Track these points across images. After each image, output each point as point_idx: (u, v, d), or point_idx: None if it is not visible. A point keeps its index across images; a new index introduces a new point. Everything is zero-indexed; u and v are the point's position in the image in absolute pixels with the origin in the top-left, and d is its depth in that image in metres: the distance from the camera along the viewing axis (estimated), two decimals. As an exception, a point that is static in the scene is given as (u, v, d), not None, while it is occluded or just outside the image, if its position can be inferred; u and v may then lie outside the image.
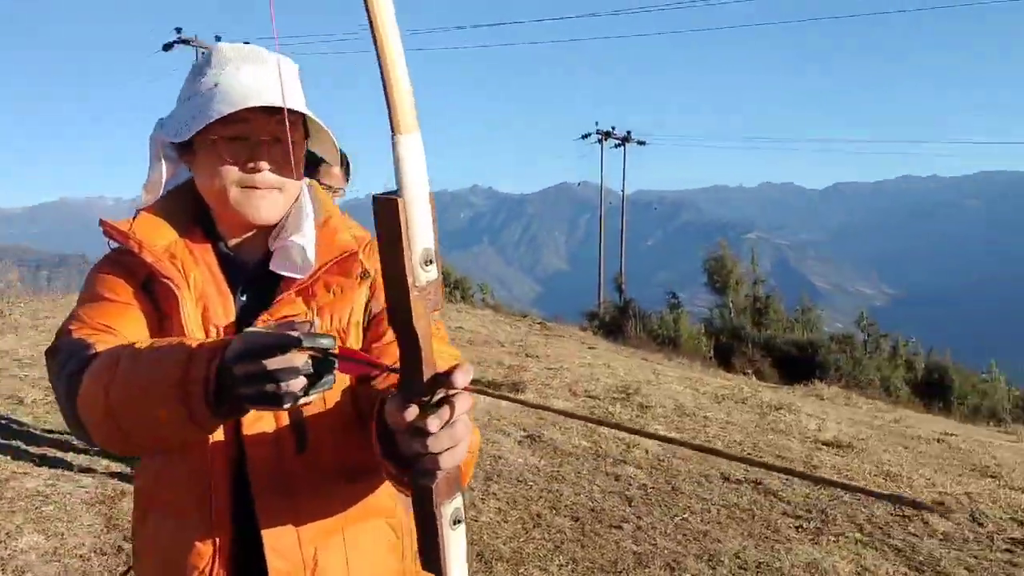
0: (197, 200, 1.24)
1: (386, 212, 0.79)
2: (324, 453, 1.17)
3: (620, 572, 3.51)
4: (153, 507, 1.21)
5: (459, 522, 0.89)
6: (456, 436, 0.84)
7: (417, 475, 0.86)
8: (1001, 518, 4.55)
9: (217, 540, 1.14)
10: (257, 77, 1.19)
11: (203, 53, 1.28)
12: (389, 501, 1.24)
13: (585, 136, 31.68)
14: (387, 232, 0.79)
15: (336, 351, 0.92)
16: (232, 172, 1.17)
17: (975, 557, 3.98)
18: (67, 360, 1.09)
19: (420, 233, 0.80)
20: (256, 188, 1.17)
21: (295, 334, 0.88)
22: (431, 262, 0.81)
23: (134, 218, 1.22)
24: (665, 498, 4.46)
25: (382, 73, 0.77)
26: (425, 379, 0.84)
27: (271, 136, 1.17)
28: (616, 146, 32.01)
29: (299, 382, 0.88)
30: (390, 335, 1.17)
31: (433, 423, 0.83)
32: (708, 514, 4.27)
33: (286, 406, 0.89)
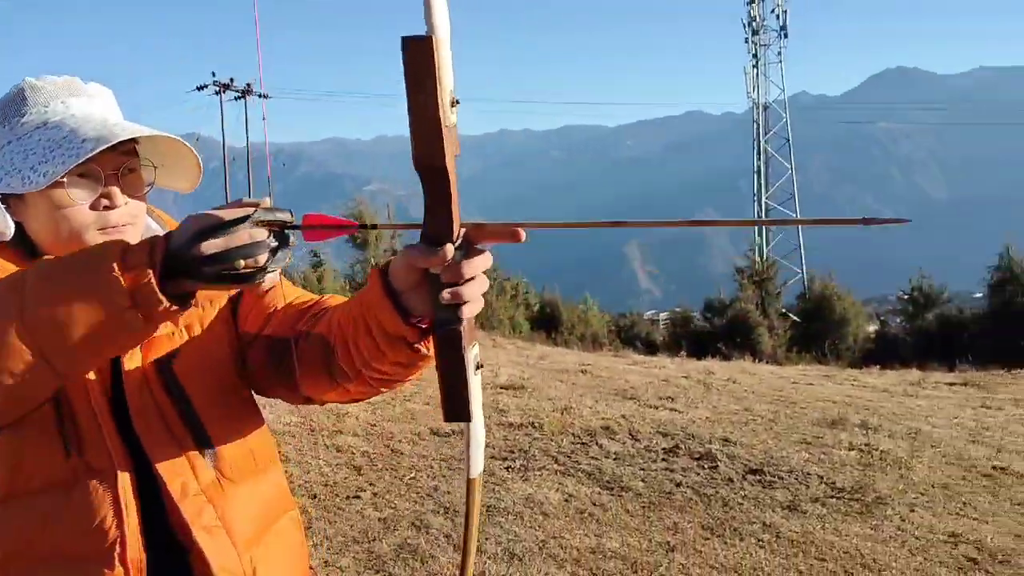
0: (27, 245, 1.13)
1: (419, 52, 0.79)
2: (227, 454, 1.15)
3: (372, 540, 3.67)
4: (21, 560, 1.06)
5: (480, 367, 0.95)
6: (482, 285, 0.91)
7: (445, 322, 0.90)
8: (650, 433, 5.53)
9: None
10: (88, 110, 1.14)
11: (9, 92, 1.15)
12: (289, 495, 1.27)
13: (201, 87, 29.65)
14: (419, 71, 0.80)
15: (293, 225, 0.93)
16: (85, 215, 1.10)
17: (643, 469, 4.83)
18: None
19: (447, 75, 0.81)
20: (115, 227, 1.11)
21: (252, 208, 0.89)
22: (456, 103, 0.83)
23: None
24: (389, 461, 4.68)
25: None
26: (454, 221, 0.87)
27: (117, 168, 1.11)
28: (236, 99, 30.48)
29: (264, 257, 0.89)
30: (271, 295, 1.19)
31: (467, 268, 0.89)
32: (431, 469, 4.59)
33: (257, 281, 0.90)
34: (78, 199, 1.08)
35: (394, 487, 4.32)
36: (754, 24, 48.04)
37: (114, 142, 1.06)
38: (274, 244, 0.90)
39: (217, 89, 29.80)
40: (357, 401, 1.18)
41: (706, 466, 4.88)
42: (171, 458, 1.09)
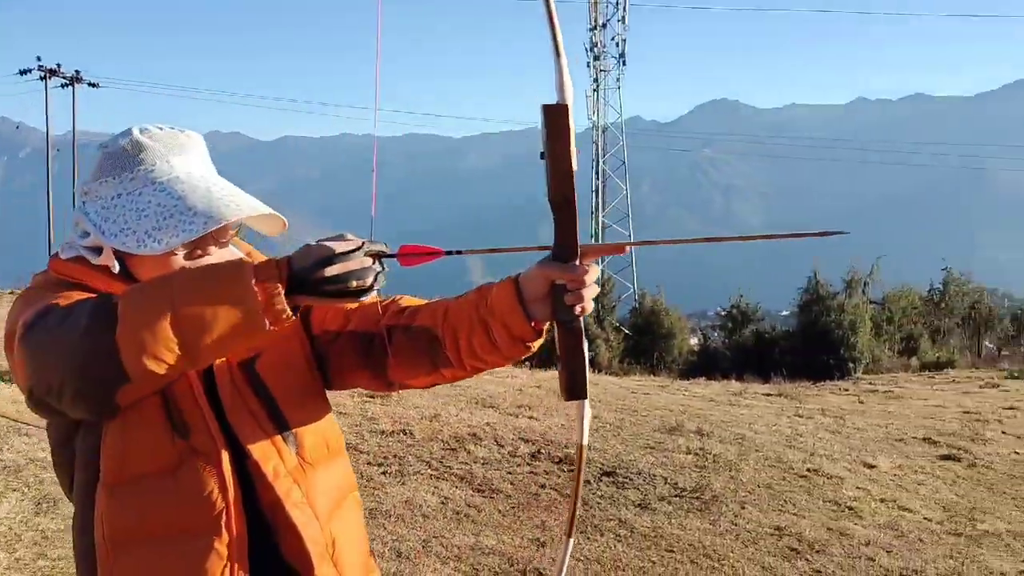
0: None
1: (557, 115, 1.12)
2: (306, 442, 1.35)
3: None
4: (133, 538, 1.24)
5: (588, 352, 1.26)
6: (595, 291, 1.21)
7: (568, 320, 1.20)
8: (514, 439, 5.92)
9: (234, 552, 1.24)
10: (188, 169, 1.32)
11: (118, 142, 1.30)
12: (353, 478, 1.48)
13: (25, 72, 27.42)
14: (558, 130, 1.12)
15: (392, 254, 1.19)
16: (180, 262, 1.29)
17: (511, 473, 5.20)
18: (72, 307, 1.15)
19: (573, 133, 1.13)
20: None
21: (358, 241, 1.13)
22: (578, 151, 1.15)
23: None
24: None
25: (552, 30, 1.11)
26: (578, 247, 1.19)
27: (216, 237, 1.32)
28: (63, 86, 28.41)
29: (371, 278, 1.13)
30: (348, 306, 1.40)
31: (588, 278, 1.19)
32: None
33: (365, 298, 1.15)
34: (181, 257, 1.29)
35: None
36: (595, 50, 50.21)
37: (222, 224, 1.25)
38: (378, 269, 1.15)
39: (42, 75, 27.66)
40: (440, 384, 1.44)
41: (566, 469, 5.32)
42: (259, 441, 1.29)
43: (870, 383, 14.09)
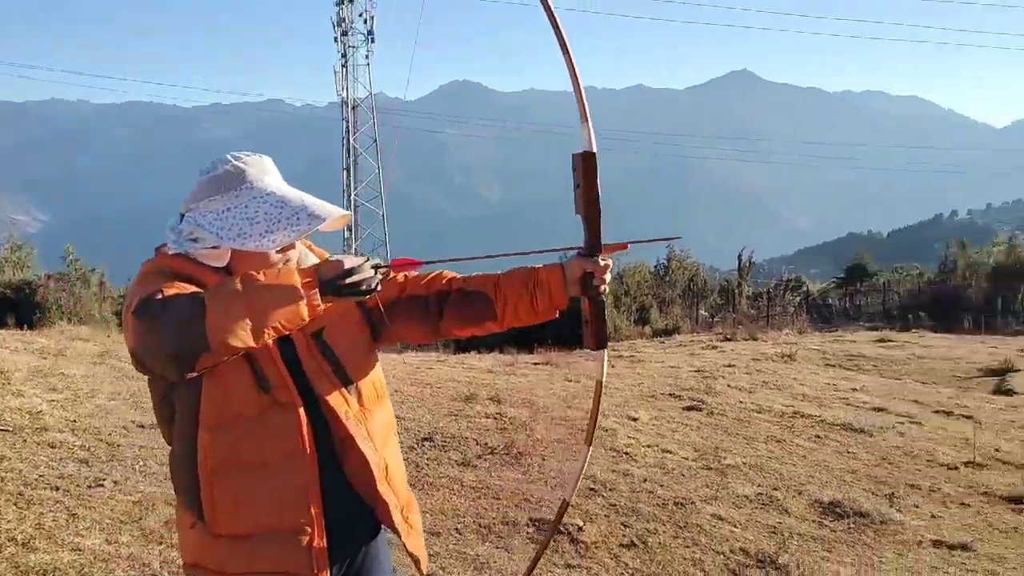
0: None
1: (588, 161, 1.78)
2: (364, 391, 1.79)
3: (140, 519, 3.91)
4: (229, 468, 1.64)
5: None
6: (609, 276, 1.85)
7: (595, 296, 1.83)
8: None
9: (310, 479, 1.67)
10: (278, 184, 1.74)
11: (218, 168, 1.70)
12: (393, 415, 1.93)
13: None
14: (588, 172, 1.78)
15: (385, 264, 1.70)
16: (275, 259, 1.72)
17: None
18: (174, 298, 1.51)
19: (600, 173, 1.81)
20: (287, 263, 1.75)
21: (363, 258, 1.62)
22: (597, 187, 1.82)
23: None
24: (111, 451, 4.76)
25: (575, 88, 1.78)
26: (601, 247, 1.82)
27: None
28: None
29: (376, 282, 1.62)
30: (399, 277, 1.91)
31: (606, 268, 1.82)
32: (156, 458, 4.80)
33: (372, 294, 1.63)
34: (276, 256, 1.69)
35: (132, 474, 4.51)
36: (343, 25, 49.57)
37: (324, 222, 1.67)
38: (379, 277, 1.65)
39: None
40: (478, 335, 1.92)
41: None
42: (333, 394, 1.72)
43: (615, 349, 15.81)
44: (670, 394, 8.88)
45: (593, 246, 1.82)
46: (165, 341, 1.49)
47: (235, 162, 1.71)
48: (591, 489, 5.18)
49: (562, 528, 4.43)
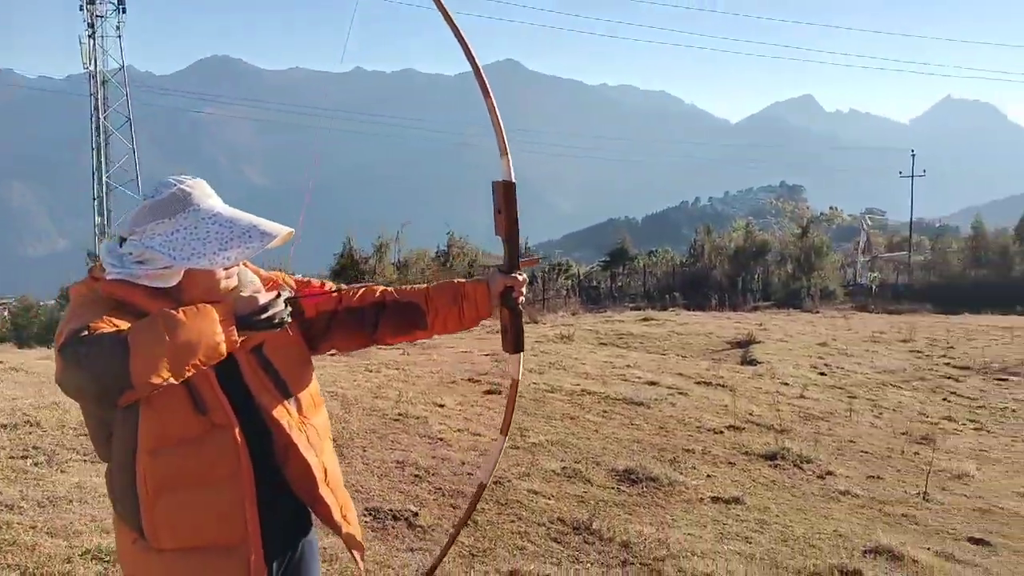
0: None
1: (508, 190, 2.07)
2: (302, 401, 1.90)
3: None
4: (169, 488, 1.71)
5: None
6: (525, 289, 2.15)
7: (514, 303, 2.12)
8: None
9: (246, 495, 1.76)
10: (221, 206, 1.82)
11: (162, 192, 1.77)
12: (328, 422, 2.05)
13: None
14: (507, 198, 2.06)
15: (296, 296, 1.90)
16: (220, 276, 1.80)
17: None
18: (100, 337, 1.56)
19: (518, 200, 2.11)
20: (228, 280, 1.84)
21: (274, 294, 1.74)
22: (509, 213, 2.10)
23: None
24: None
25: (495, 124, 2.05)
26: (519, 264, 2.11)
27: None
28: None
29: (287, 314, 1.74)
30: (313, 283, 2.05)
31: (522, 282, 2.12)
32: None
33: (283, 327, 1.74)
34: (222, 272, 1.78)
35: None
36: (90, -9, 45.13)
37: (275, 239, 1.76)
38: (289, 309, 1.78)
39: None
40: (410, 342, 2.14)
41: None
42: (275, 407, 1.83)
43: (404, 338, 16.09)
44: (469, 379, 9.29)
45: (513, 264, 2.12)
46: (88, 383, 1.58)
47: (179, 186, 1.78)
48: (416, 476, 5.44)
49: (398, 515, 4.66)
